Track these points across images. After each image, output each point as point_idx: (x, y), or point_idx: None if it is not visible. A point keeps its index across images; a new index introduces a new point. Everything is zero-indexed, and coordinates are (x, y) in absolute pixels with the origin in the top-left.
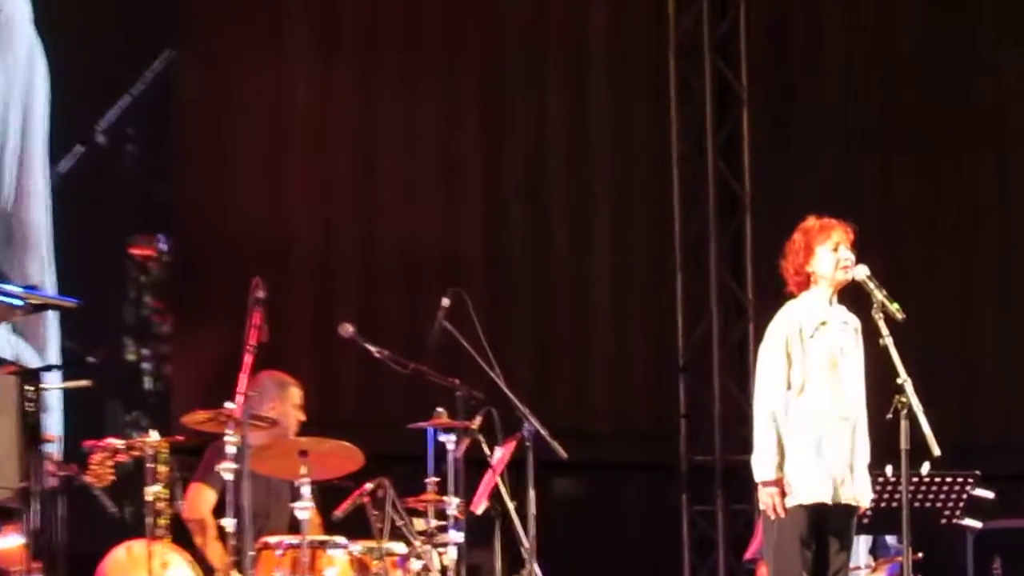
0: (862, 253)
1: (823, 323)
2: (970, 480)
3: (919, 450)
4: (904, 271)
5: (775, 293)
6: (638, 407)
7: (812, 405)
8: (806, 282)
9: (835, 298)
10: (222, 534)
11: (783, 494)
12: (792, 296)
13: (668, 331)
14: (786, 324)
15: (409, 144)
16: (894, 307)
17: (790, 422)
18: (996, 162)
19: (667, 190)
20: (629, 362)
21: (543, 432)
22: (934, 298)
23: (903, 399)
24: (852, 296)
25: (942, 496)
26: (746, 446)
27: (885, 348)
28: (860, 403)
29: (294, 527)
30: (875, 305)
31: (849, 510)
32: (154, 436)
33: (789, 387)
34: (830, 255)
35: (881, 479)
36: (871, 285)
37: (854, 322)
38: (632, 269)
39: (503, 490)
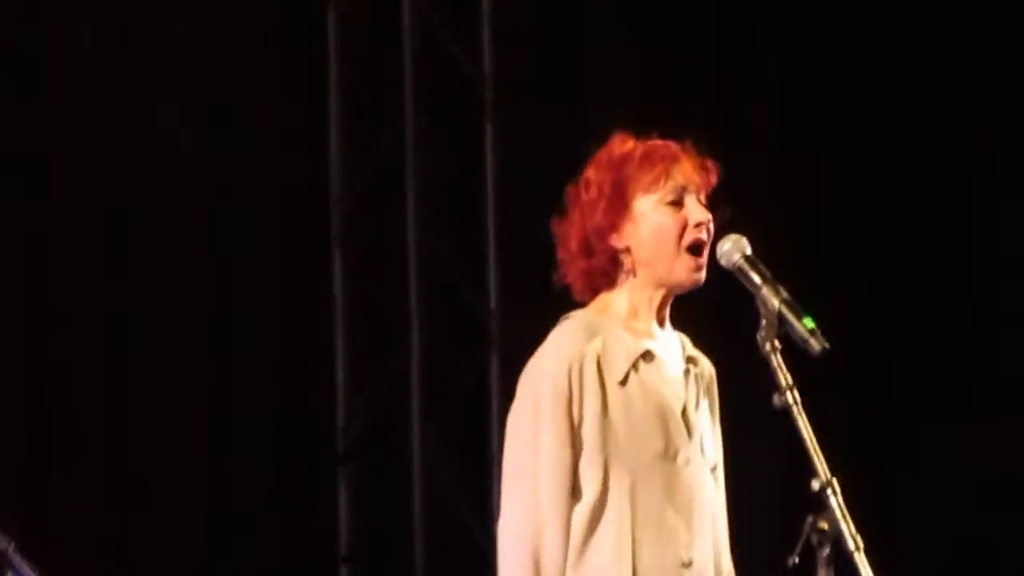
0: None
1: (646, 358)
2: None
3: None
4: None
5: (542, 298)
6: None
7: (620, 539)
8: (609, 273)
9: (668, 311)
10: None
11: None
12: (579, 304)
13: (308, 376)
14: (567, 363)
15: None
16: (806, 327)
17: (580, 572)
18: None
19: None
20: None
21: None
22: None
23: (822, 523)
24: (708, 306)
25: None
26: None
27: (787, 414)
28: (722, 532)
29: None
30: (764, 324)
31: None
32: None
33: (574, 495)
34: (666, 216)
35: None
36: (756, 280)
37: (706, 365)
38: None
39: None
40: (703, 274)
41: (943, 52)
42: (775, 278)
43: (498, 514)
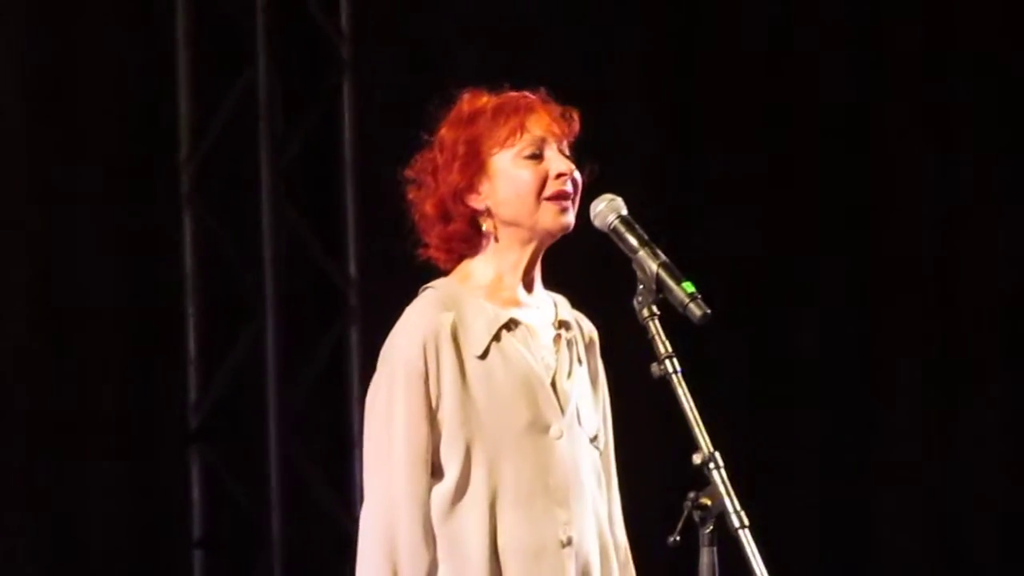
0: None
1: (509, 327)
2: None
3: None
4: None
5: (404, 266)
6: None
7: (484, 520)
8: (469, 239)
9: (538, 271)
10: None
11: None
12: (441, 271)
13: (156, 348)
14: (420, 340)
15: None
16: (685, 291)
17: (440, 555)
18: None
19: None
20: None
21: None
22: None
23: (704, 499)
24: (581, 268)
25: None
26: None
27: (665, 384)
28: (613, 505)
29: None
30: (642, 288)
31: None
32: None
33: (436, 475)
34: (525, 170)
35: None
36: (633, 242)
37: (585, 326)
38: None
39: None
40: (570, 217)
41: None
42: (653, 240)
43: (362, 497)
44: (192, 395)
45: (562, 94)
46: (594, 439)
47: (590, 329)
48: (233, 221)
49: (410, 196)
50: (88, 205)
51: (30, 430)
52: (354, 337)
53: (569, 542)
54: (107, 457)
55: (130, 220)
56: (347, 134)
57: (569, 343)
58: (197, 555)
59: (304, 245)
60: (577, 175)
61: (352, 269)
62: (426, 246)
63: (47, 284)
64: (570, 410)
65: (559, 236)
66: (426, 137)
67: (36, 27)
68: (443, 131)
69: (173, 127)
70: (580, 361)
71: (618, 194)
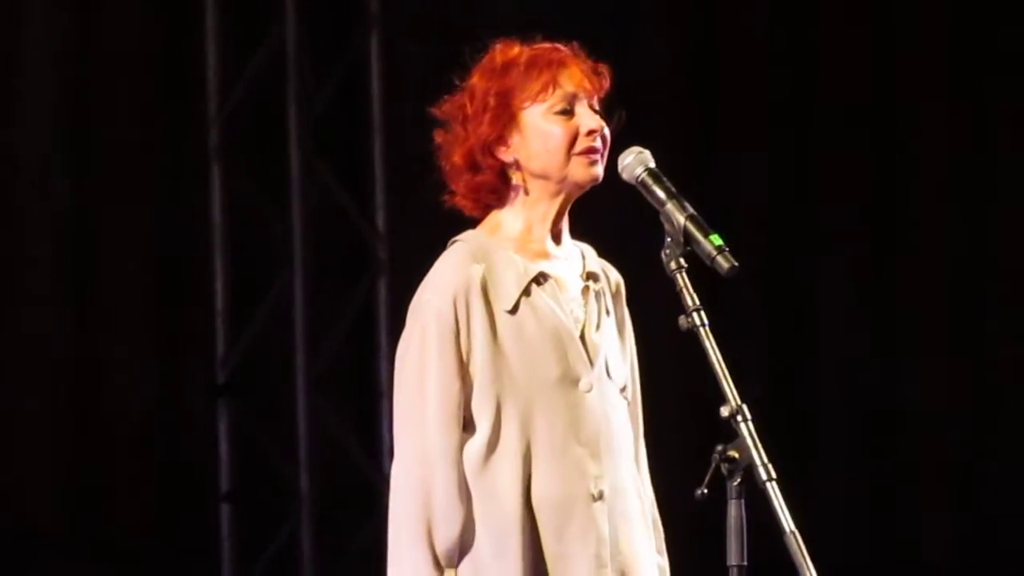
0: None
1: (539, 281)
2: None
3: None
4: None
5: (433, 219)
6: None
7: (515, 472)
8: (497, 190)
9: (566, 223)
10: None
11: None
12: (472, 223)
13: (184, 301)
14: (451, 294)
15: None
16: (713, 243)
17: (476, 510)
18: None
19: None
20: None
21: None
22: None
23: (732, 452)
24: (609, 223)
25: None
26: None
27: (694, 337)
28: (629, 461)
29: None
30: (670, 241)
31: None
32: None
33: (468, 430)
34: (556, 126)
35: None
36: (661, 194)
37: (612, 275)
38: None
39: None
40: (599, 169)
41: None
42: (680, 193)
43: (390, 451)
44: (220, 349)
45: (592, 48)
46: (623, 389)
47: (616, 278)
48: (262, 175)
49: (438, 140)
50: (117, 159)
51: (57, 380)
52: (383, 290)
53: (600, 496)
54: (135, 409)
55: (160, 174)
56: (375, 88)
57: (597, 295)
58: (225, 508)
59: (333, 199)
60: (607, 131)
61: (381, 223)
62: (453, 193)
63: (75, 236)
64: (599, 363)
65: (588, 188)
66: (457, 82)
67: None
68: (474, 79)
69: (202, 81)
70: (608, 312)
71: (645, 146)
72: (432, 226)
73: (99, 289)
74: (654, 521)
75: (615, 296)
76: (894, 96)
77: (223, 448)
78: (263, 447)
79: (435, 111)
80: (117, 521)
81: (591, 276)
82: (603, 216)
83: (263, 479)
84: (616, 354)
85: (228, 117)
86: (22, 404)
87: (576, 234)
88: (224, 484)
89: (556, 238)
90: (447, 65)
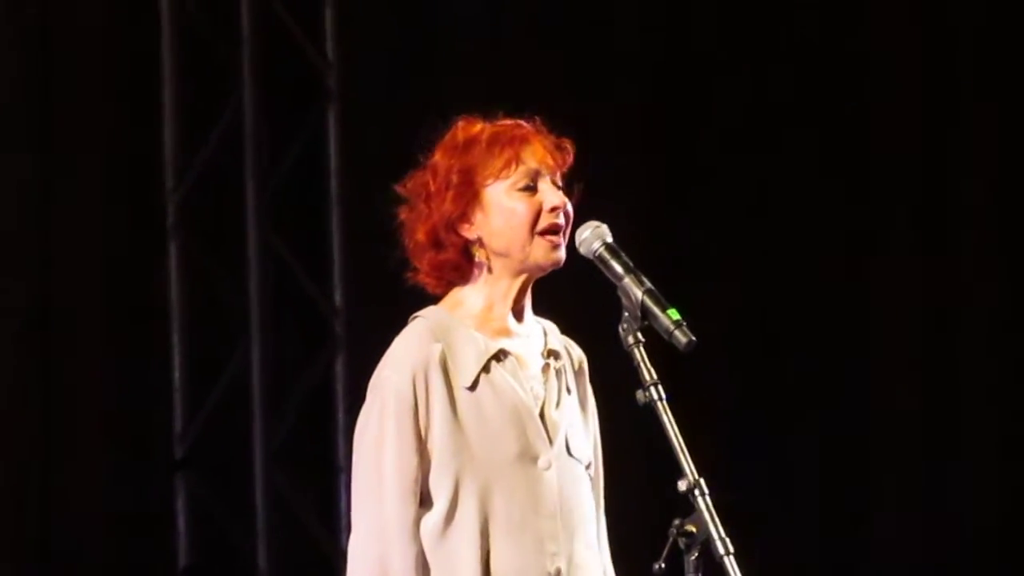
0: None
1: (499, 358)
2: None
3: None
4: None
5: (391, 294)
6: None
7: (474, 548)
8: (460, 267)
9: (528, 300)
10: None
11: None
12: (432, 299)
13: (141, 377)
14: (410, 371)
15: None
16: (671, 318)
17: None
18: None
19: None
20: None
21: None
22: None
23: (690, 526)
24: (567, 298)
25: None
26: None
27: (650, 412)
28: (590, 538)
29: None
30: (627, 315)
31: None
32: None
33: (425, 505)
34: (519, 203)
35: None
36: (618, 269)
37: (575, 352)
38: None
39: None
40: (562, 253)
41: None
42: (638, 267)
43: (348, 525)
44: (178, 424)
45: (553, 120)
46: (588, 467)
47: (579, 355)
48: (219, 251)
49: (401, 216)
50: (73, 234)
51: (17, 456)
52: (340, 366)
53: (557, 573)
54: (93, 485)
55: (116, 250)
56: (333, 163)
57: (558, 372)
58: None
59: (290, 274)
60: (570, 208)
61: (338, 298)
62: (416, 271)
63: (32, 309)
64: (559, 440)
65: (550, 271)
66: (421, 159)
67: (20, 53)
68: (437, 156)
69: (159, 157)
70: (569, 390)
71: (603, 220)
72: (390, 303)
73: (57, 363)
74: None
75: (578, 373)
76: None
77: (181, 523)
78: (221, 521)
79: (398, 188)
80: None
81: (552, 353)
82: (564, 290)
83: (221, 553)
84: (578, 431)
85: (185, 193)
86: None
87: (538, 310)
88: (182, 559)
89: (518, 315)
90: (406, 140)
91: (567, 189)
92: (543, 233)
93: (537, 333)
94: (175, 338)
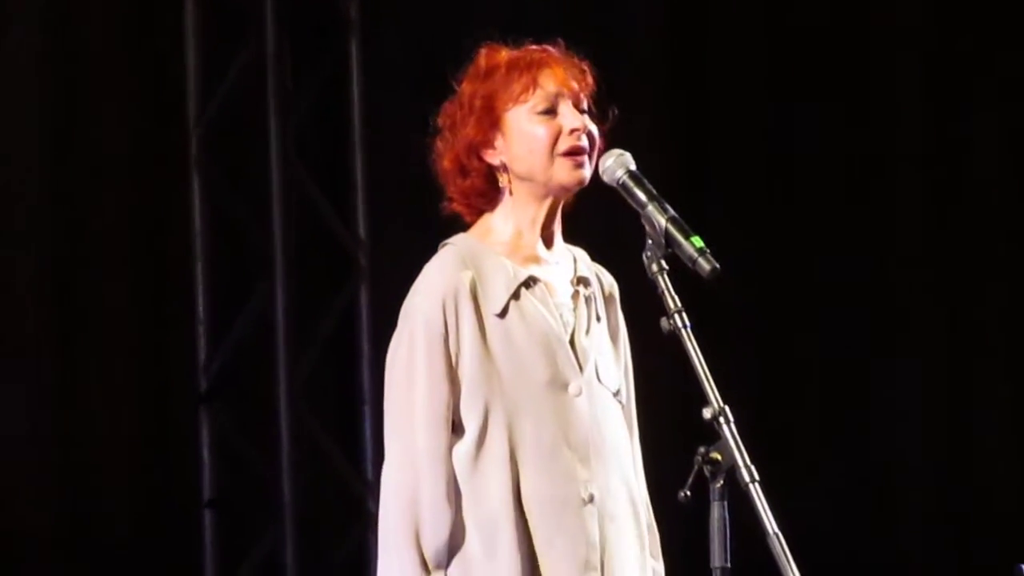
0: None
1: (528, 285)
2: None
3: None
4: None
5: (414, 226)
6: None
7: (505, 475)
8: (486, 193)
9: (557, 226)
10: None
11: None
12: (463, 225)
13: (165, 310)
14: (440, 298)
15: None
16: (694, 245)
17: (466, 511)
18: None
19: None
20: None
21: None
22: None
23: (715, 454)
24: (598, 226)
25: None
26: None
27: (676, 340)
28: (621, 466)
29: None
30: (651, 243)
31: None
32: None
33: (456, 432)
34: (538, 126)
35: None
36: (641, 197)
37: (605, 280)
38: None
39: None
40: (585, 171)
41: None
42: (661, 195)
43: (373, 458)
44: (202, 357)
45: (577, 46)
46: (616, 393)
47: (610, 283)
48: (242, 184)
49: (436, 147)
50: (97, 168)
51: (39, 389)
52: (364, 298)
53: (591, 499)
54: (117, 418)
55: (140, 183)
56: (355, 94)
57: (587, 300)
58: (207, 516)
59: (314, 207)
60: (593, 129)
61: (362, 230)
62: (450, 200)
63: (57, 246)
64: (589, 367)
65: (575, 190)
66: (445, 96)
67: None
68: (463, 85)
69: (182, 90)
70: (599, 318)
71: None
72: (413, 233)
73: (81, 297)
74: (649, 525)
75: (608, 300)
76: None
77: (205, 455)
78: (245, 454)
79: (436, 120)
80: (100, 527)
81: (582, 281)
82: (592, 218)
83: (246, 486)
84: (608, 358)
85: (207, 125)
86: (5, 412)
87: (569, 237)
88: (207, 491)
89: (547, 242)
90: (429, 71)
91: (599, 115)
92: (564, 155)
93: (567, 260)
94: (199, 270)
